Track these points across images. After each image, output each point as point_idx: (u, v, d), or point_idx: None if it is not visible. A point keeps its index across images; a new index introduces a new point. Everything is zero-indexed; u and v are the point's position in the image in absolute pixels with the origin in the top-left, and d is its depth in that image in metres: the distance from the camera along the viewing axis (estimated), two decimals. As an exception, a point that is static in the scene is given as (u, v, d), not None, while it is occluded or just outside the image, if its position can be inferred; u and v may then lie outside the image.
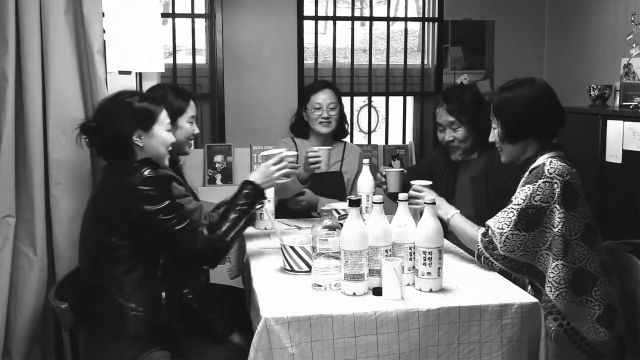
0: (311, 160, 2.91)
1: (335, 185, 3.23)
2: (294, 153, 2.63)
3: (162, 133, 2.26)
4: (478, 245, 2.24)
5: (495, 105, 2.33)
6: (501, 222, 2.20)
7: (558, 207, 2.16)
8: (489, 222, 2.24)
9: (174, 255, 2.20)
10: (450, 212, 2.39)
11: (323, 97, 3.21)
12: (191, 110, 2.64)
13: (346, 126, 3.35)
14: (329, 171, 3.12)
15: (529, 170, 2.27)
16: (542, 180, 2.17)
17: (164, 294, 2.18)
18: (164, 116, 2.28)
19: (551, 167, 2.18)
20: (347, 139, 3.40)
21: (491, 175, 2.74)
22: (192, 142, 2.70)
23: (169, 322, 2.20)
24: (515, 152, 2.33)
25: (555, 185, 2.16)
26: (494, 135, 2.37)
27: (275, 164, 2.41)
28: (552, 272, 2.16)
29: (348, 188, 3.26)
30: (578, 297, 2.17)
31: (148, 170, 2.13)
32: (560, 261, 2.15)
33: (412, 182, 2.51)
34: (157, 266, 2.19)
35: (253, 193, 2.32)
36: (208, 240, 2.14)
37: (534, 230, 2.17)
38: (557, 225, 2.15)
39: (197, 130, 2.72)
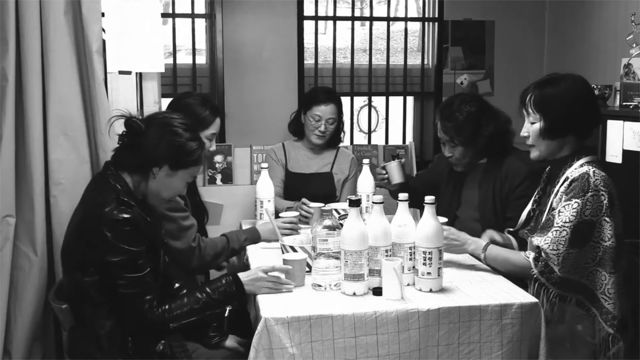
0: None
1: (325, 186, 3.31)
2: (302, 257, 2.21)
3: (180, 182, 2.08)
4: (533, 272, 2.15)
5: (538, 101, 2.25)
6: (554, 242, 2.11)
7: (607, 219, 2.11)
8: (540, 244, 2.14)
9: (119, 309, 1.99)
10: (482, 244, 2.29)
11: (324, 111, 3.23)
12: (214, 127, 2.72)
13: (342, 135, 3.43)
14: (320, 172, 3.30)
15: (567, 180, 2.18)
16: (590, 194, 2.10)
17: (130, 339, 1.99)
18: (198, 168, 2.10)
19: (596, 179, 2.13)
20: (342, 144, 3.48)
21: (500, 182, 2.70)
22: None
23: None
24: (552, 149, 2.26)
25: (603, 197, 2.11)
26: (529, 130, 2.28)
27: (268, 272, 2.09)
28: (612, 289, 2.11)
29: (338, 189, 3.33)
30: None
31: (115, 210, 1.92)
32: (615, 274, 2.12)
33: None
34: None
35: (231, 291, 2.04)
36: (149, 316, 1.95)
37: (586, 245, 2.12)
38: (610, 239, 2.11)
39: (213, 148, 2.79)
